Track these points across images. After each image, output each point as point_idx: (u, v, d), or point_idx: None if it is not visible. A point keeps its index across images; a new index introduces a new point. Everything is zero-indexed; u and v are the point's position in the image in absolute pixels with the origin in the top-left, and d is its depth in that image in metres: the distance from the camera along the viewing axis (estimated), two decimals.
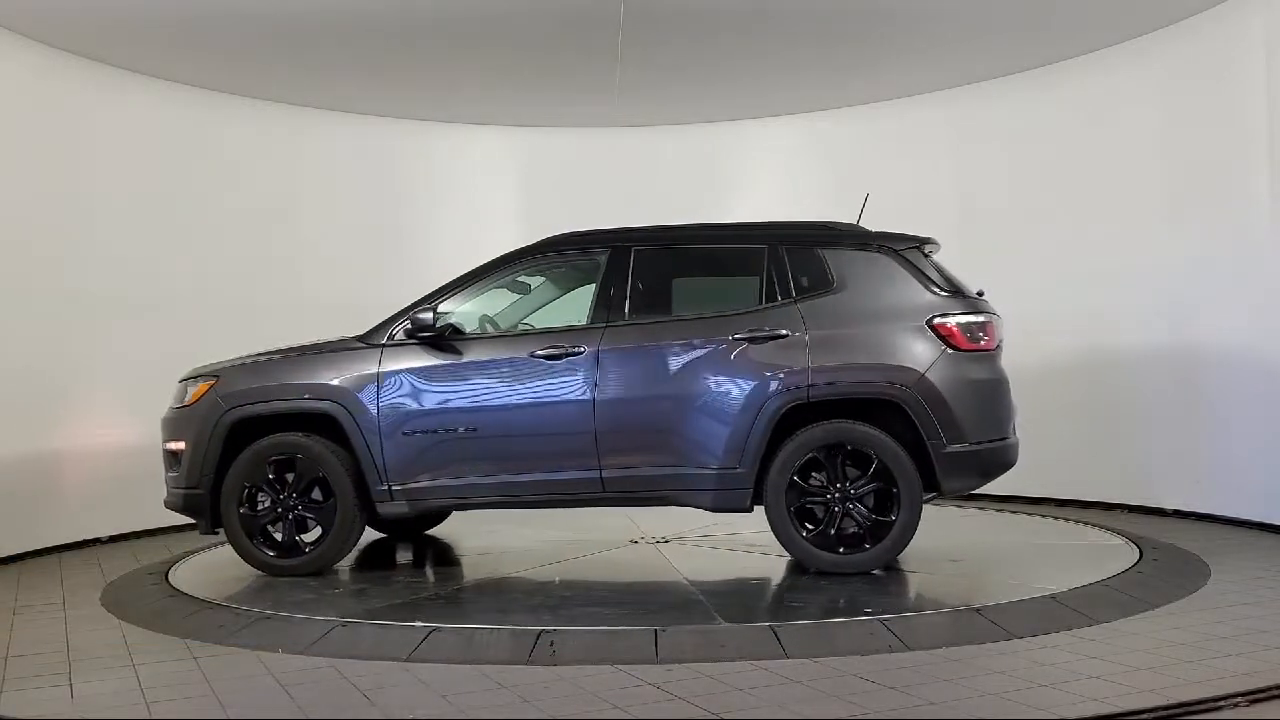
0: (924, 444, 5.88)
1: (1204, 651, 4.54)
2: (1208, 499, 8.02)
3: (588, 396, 6.07)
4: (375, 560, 7.02)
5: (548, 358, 6.14)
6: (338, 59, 8.53)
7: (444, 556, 7.23)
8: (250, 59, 8.46)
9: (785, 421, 5.95)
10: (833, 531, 5.93)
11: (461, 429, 6.17)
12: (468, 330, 6.43)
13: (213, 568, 6.95)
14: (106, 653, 5.04)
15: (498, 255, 6.63)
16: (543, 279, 6.81)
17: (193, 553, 7.45)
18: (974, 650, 4.67)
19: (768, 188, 10.40)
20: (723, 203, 9.95)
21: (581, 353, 6.12)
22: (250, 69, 8.70)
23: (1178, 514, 8.20)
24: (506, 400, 6.17)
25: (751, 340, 6.02)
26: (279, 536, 6.37)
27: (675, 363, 6.06)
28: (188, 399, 6.57)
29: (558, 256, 6.57)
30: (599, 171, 10.53)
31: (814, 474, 5.98)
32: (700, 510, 6.16)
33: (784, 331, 6.00)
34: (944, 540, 7.23)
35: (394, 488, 6.23)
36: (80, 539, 8.18)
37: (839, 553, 5.91)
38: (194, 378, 6.67)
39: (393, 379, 6.25)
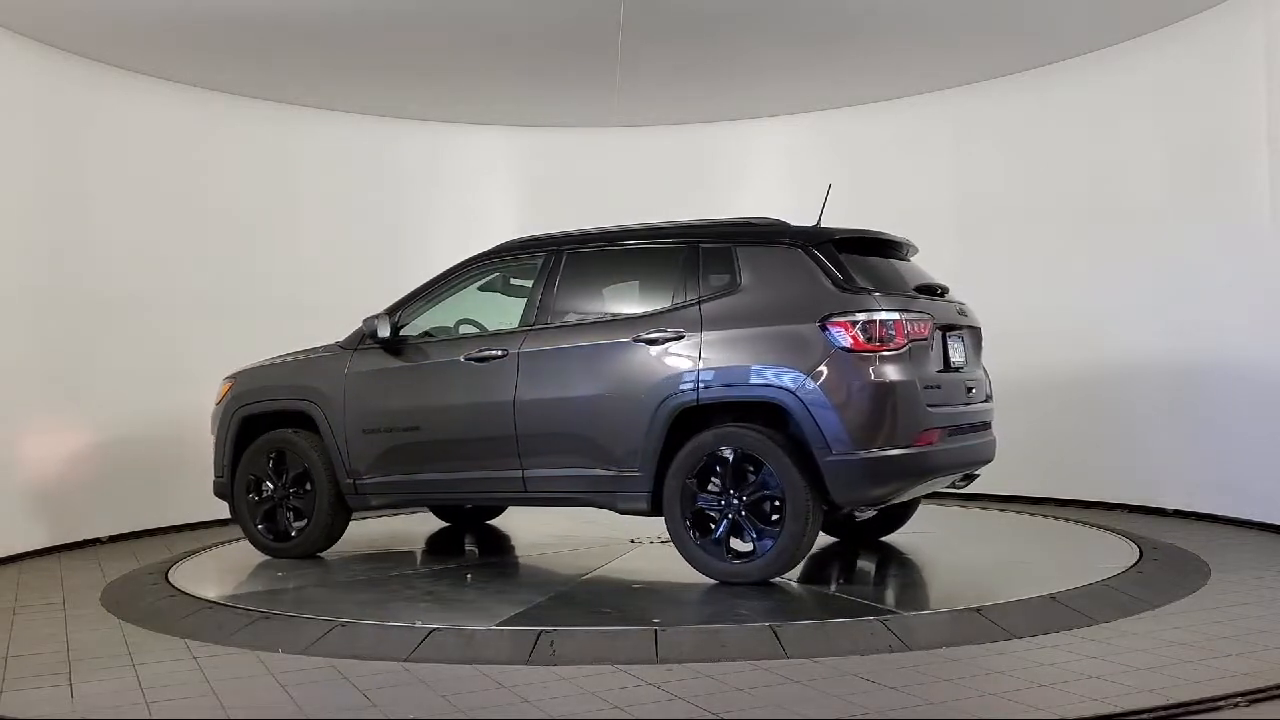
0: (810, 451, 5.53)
1: (1204, 651, 4.54)
2: (1208, 499, 8.02)
3: (509, 398, 6.19)
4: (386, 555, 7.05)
5: (477, 361, 6.31)
6: (337, 59, 8.53)
7: (458, 548, 7.25)
8: (250, 59, 8.46)
9: (683, 425, 5.79)
10: (717, 538, 5.71)
11: (405, 428, 6.52)
12: (437, 336, 6.72)
13: (213, 568, 6.97)
14: (106, 653, 5.04)
15: (455, 263, 6.85)
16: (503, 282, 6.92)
17: (193, 553, 7.44)
18: (974, 650, 4.66)
19: (767, 188, 10.39)
20: (722, 203, 9.94)
21: (504, 356, 6.25)
22: (250, 69, 8.70)
23: (1178, 514, 8.20)
24: (443, 401, 6.44)
25: (651, 342, 5.91)
26: (279, 523, 6.97)
27: (584, 365, 6.06)
28: (219, 397, 7.28)
29: (508, 261, 6.68)
30: (599, 171, 10.53)
31: (714, 480, 5.76)
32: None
33: (680, 333, 5.85)
34: (941, 540, 7.24)
35: (357, 482, 6.69)
36: (80, 539, 8.18)
37: (729, 561, 5.70)
38: (226, 377, 7.32)
39: (356, 381, 6.72)
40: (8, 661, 4.95)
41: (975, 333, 6.49)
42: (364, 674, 4.53)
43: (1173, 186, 8.29)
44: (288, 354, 7.14)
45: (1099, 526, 7.56)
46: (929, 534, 7.17)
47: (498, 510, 8.26)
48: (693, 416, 5.80)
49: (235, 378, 7.24)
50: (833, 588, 5.90)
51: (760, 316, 5.75)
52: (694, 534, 5.77)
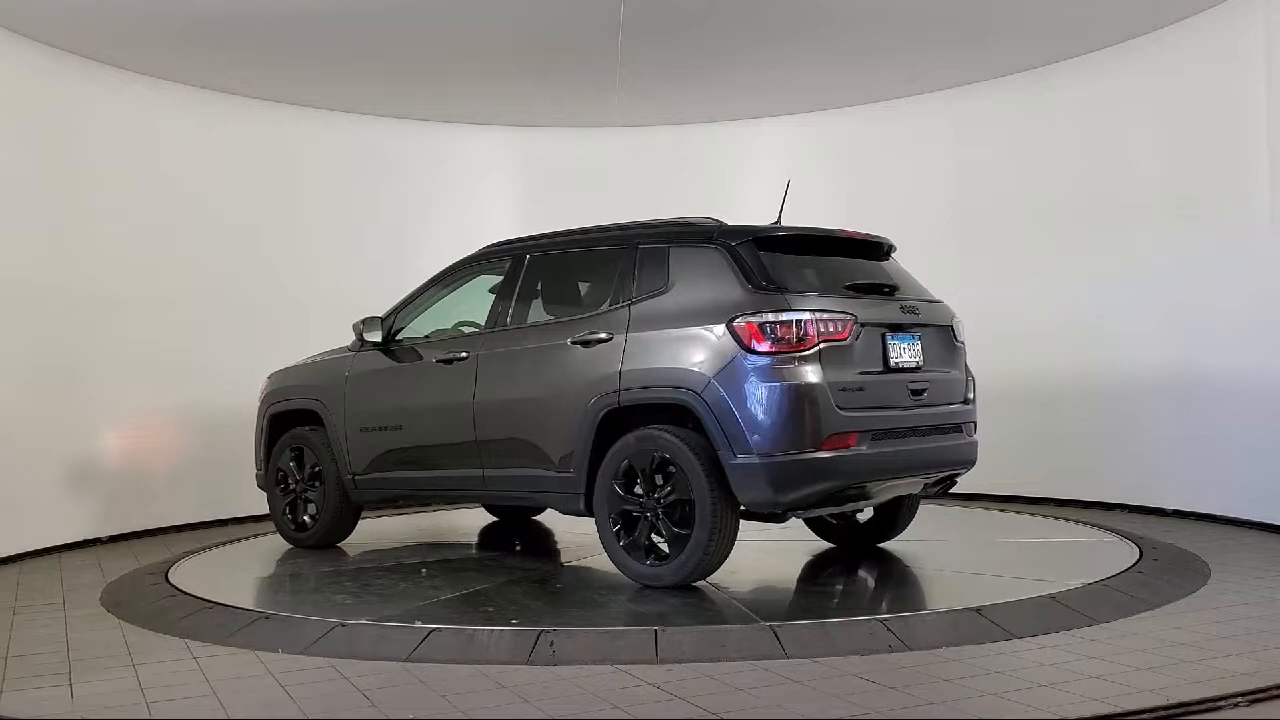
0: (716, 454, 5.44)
1: (1204, 651, 4.54)
2: (1208, 499, 8.02)
3: (468, 399, 6.34)
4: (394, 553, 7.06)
5: (446, 363, 6.51)
6: (337, 59, 8.53)
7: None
8: (250, 59, 8.46)
9: (612, 427, 5.77)
10: (634, 540, 5.69)
11: (389, 428, 6.78)
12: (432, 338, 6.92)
13: (213, 568, 6.96)
14: (106, 653, 5.04)
15: (442, 268, 7.04)
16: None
17: (193, 553, 7.44)
18: (974, 650, 4.66)
19: (767, 188, 10.35)
20: (722, 202, 9.92)
21: (465, 358, 6.41)
22: (250, 69, 8.70)
23: (1178, 514, 8.20)
24: (419, 402, 6.66)
25: (585, 344, 5.92)
26: (298, 515, 7.35)
27: (528, 368, 6.16)
28: (260, 394, 7.62)
29: (488, 265, 6.79)
30: (599, 171, 10.53)
31: (637, 483, 5.72)
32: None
33: (611, 335, 5.84)
34: (941, 540, 7.23)
35: (356, 478, 6.99)
36: (80, 539, 8.17)
37: (646, 564, 5.67)
38: (268, 375, 7.66)
39: (354, 382, 7.01)
40: (8, 661, 4.94)
41: (942, 332, 6.20)
42: (364, 674, 4.53)
43: (1173, 186, 8.29)
44: (316, 354, 7.41)
45: (1099, 526, 7.56)
46: (928, 534, 7.17)
47: (539, 508, 8.14)
48: (621, 418, 5.78)
49: (271, 377, 7.60)
50: (833, 589, 5.89)
51: (679, 318, 5.68)
52: (619, 536, 5.76)
